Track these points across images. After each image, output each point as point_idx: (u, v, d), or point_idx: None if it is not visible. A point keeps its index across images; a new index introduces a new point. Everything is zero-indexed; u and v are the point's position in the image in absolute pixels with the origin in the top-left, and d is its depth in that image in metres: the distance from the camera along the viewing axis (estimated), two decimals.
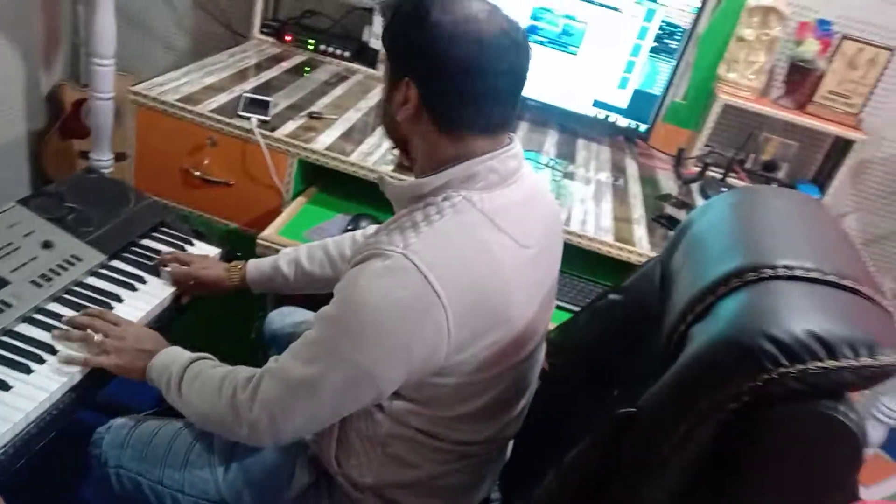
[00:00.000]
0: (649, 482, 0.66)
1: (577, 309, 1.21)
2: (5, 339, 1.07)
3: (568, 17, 2.01)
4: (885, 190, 2.26)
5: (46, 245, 1.24)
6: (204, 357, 1.07)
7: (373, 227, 1.32)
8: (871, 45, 2.00)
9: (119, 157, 2.24)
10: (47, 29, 2.29)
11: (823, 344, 0.59)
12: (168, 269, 1.32)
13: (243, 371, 0.98)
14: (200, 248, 1.44)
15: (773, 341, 0.59)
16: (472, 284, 0.87)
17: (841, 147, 2.13)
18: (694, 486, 0.66)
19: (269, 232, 1.50)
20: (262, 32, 2.21)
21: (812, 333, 0.59)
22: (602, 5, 1.99)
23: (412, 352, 0.85)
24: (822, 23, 2.02)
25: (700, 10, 1.96)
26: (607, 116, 2.12)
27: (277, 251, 1.36)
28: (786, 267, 0.69)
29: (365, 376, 0.87)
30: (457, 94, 0.89)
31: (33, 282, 1.17)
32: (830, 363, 0.58)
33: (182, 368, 1.04)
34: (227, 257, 1.45)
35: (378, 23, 1.03)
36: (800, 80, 2.06)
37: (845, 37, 2.01)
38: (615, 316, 1.08)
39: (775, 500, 0.61)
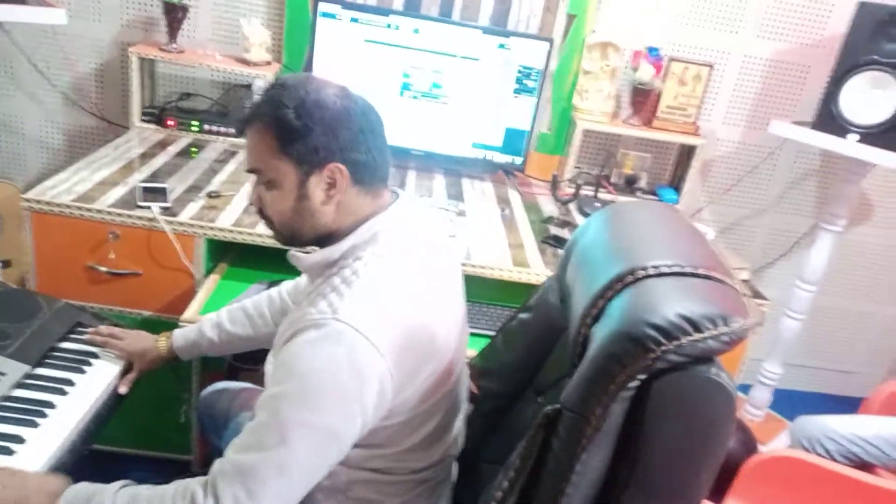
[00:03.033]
0: (579, 464, 0.80)
1: (492, 333, 1.34)
2: None
3: (435, 71, 2.19)
4: (728, 182, 2.60)
5: None
6: (128, 483, 1.02)
7: (288, 283, 1.41)
8: (693, 63, 2.32)
9: (4, 264, 2.18)
10: None
11: (690, 322, 0.75)
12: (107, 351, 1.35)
13: (192, 481, 0.95)
14: None
15: (654, 327, 0.75)
16: (400, 329, 0.95)
17: (687, 152, 2.44)
18: (614, 463, 0.81)
19: (190, 313, 1.54)
20: (143, 120, 2.24)
21: (680, 315, 0.76)
22: (463, 57, 2.19)
23: (364, 402, 0.91)
24: (652, 49, 2.32)
25: (549, 52, 2.20)
26: (486, 155, 2.31)
27: None
28: (654, 266, 0.86)
29: (330, 437, 0.92)
30: (370, 155, 1.01)
31: None
32: (697, 335, 0.75)
33: (112, 495, 0.97)
34: None
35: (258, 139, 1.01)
36: (642, 100, 2.36)
37: (672, 59, 2.32)
38: (527, 333, 1.22)
39: (672, 451, 0.77)
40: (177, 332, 1.39)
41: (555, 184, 2.22)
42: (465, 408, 1.22)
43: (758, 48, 2.41)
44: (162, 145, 2.14)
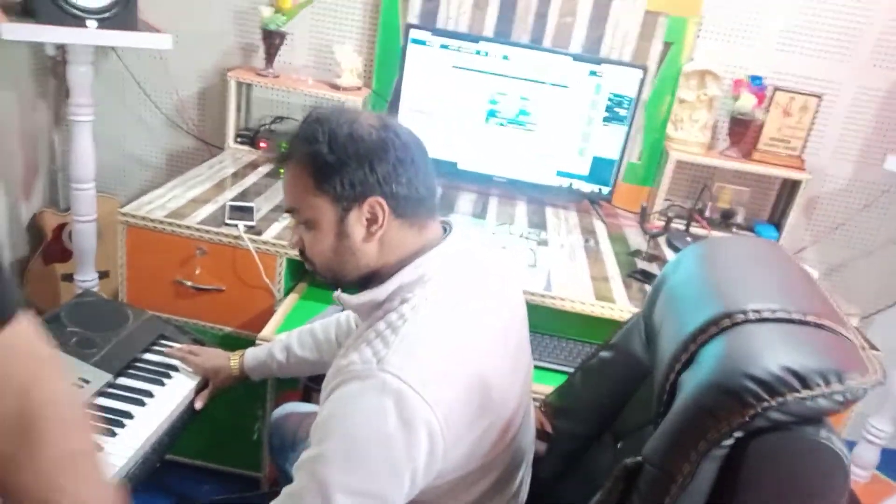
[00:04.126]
0: None
1: (569, 370, 1.27)
2: None
3: (522, 98, 2.16)
4: (836, 221, 2.40)
5: None
6: None
7: None
8: (800, 93, 2.18)
9: (102, 275, 2.29)
10: (26, 160, 2.37)
11: (797, 377, 0.66)
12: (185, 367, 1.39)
13: None
14: None
15: (754, 380, 0.67)
16: (452, 380, 0.88)
17: (790, 187, 2.28)
18: None
19: (267, 331, 1.55)
20: (237, 142, 2.32)
21: (786, 368, 0.67)
22: (552, 84, 2.15)
23: (414, 460, 0.84)
24: (755, 78, 2.20)
25: (642, 80, 2.13)
26: (571, 184, 2.24)
27: None
28: (755, 311, 0.77)
29: (377, 501, 0.85)
30: (412, 187, 0.95)
31: None
32: (806, 393, 0.65)
33: None
34: None
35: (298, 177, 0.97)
36: (742, 131, 2.22)
37: (777, 88, 2.18)
38: (608, 372, 1.15)
39: None
40: (248, 351, 1.40)
41: (644, 216, 2.12)
42: (529, 455, 1.13)
43: (873, 78, 2.24)
44: (253, 166, 2.20)
